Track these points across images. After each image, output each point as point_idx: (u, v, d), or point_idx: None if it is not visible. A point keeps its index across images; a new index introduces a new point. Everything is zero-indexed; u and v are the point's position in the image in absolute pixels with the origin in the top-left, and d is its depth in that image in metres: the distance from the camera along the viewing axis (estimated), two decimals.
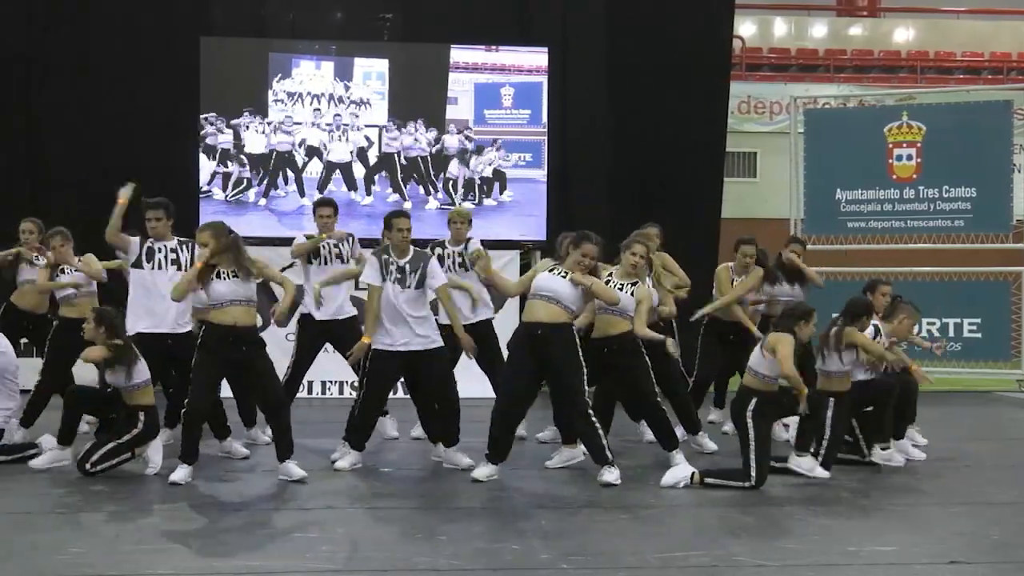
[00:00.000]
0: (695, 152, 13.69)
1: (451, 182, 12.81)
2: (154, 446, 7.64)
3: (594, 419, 7.35)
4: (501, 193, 12.84)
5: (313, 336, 8.80)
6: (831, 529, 6.32)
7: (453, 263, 8.96)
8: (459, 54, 12.93)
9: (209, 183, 12.50)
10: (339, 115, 12.68)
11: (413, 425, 9.15)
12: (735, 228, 14.08)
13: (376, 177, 12.74)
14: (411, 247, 7.89)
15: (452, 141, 12.83)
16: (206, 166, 12.50)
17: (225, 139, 12.48)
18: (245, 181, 12.52)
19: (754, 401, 7.31)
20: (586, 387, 7.39)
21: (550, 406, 8.19)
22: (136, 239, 8.23)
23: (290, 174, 12.61)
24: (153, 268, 8.16)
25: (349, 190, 12.63)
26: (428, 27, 13.38)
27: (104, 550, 5.60)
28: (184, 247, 8.25)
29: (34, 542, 5.76)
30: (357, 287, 10.81)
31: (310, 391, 11.68)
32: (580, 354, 7.36)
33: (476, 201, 12.81)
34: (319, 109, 12.67)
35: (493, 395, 8.13)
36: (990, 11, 23.29)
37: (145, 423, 7.48)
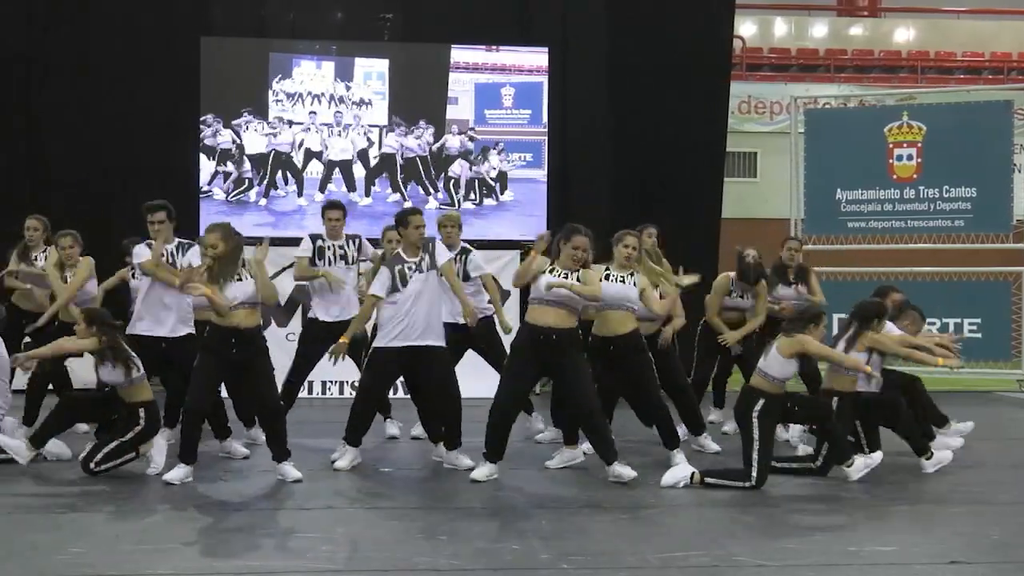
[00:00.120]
0: (695, 152, 13.68)
1: (452, 181, 12.81)
2: (158, 446, 7.64)
3: (603, 418, 7.42)
4: (502, 193, 12.84)
5: (318, 339, 8.80)
6: (831, 529, 6.33)
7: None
8: (459, 54, 12.93)
9: (209, 183, 12.49)
10: (340, 113, 12.68)
11: (413, 425, 9.16)
12: (735, 228, 14.12)
13: (376, 178, 12.74)
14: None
15: (453, 141, 12.82)
16: (206, 166, 12.50)
17: (225, 139, 12.47)
18: (247, 181, 12.52)
19: (761, 402, 7.31)
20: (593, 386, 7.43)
21: (549, 406, 8.21)
22: (138, 248, 8.18)
23: (289, 174, 12.61)
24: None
25: (349, 190, 12.63)
26: (428, 27, 13.38)
27: (104, 550, 5.60)
28: (181, 250, 8.22)
29: (34, 542, 5.76)
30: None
31: (310, 391, 11.67)
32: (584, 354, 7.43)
33: (477, 201, 12.81)
34: (315, 112, 12.65)
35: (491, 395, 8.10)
36: (991, 11, 23.30)
37: (146, 419, 7.48)
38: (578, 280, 7.32)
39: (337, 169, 12.67)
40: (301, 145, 12.63)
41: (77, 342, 7.55)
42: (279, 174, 12.59)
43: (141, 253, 8.13)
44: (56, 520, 6.31)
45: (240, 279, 7.35)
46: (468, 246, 8.95)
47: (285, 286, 11.84)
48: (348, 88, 12.74)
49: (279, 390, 7.93)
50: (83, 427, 8.83)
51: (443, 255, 7.87)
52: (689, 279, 8.50)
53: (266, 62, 12.69)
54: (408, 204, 12.30)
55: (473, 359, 9.06)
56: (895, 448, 8.08)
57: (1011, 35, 23.07)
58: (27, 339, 9.44)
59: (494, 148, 12.86)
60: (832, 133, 13.90)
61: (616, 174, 13.67)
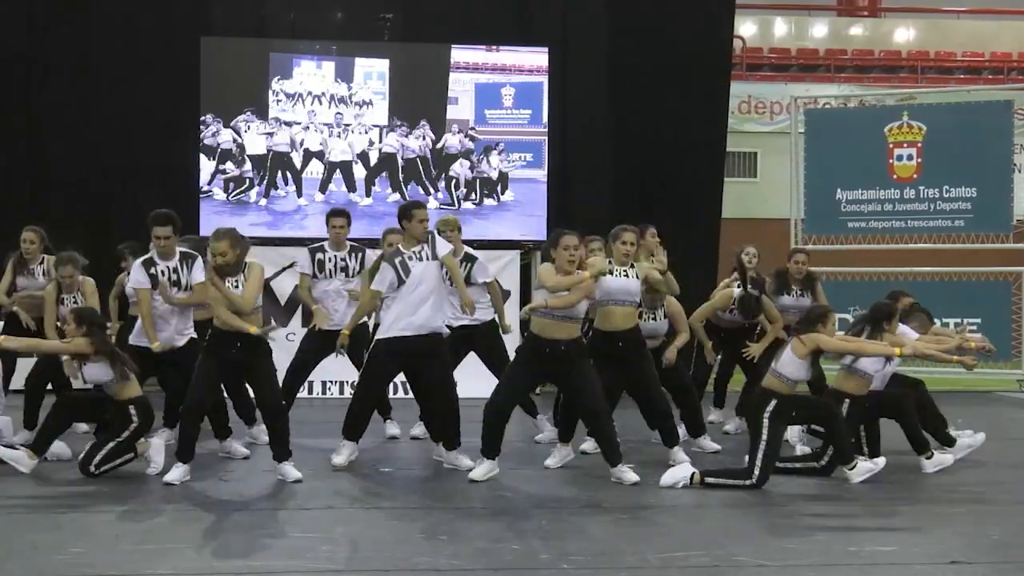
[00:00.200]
0: (695, 152, 13.69)
1: (454, 181, 12.80)
2: (156, 446, 7.64)
3: (610, 420, 7.44)
4: (502, 193, 12.83)
5: (319, 346, 8.81)
6: (831, 529, 6.33)
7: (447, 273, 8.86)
8: (460, 54, 12.93)
9: (209, 183, 12.49)
10: (340, 114, 12.68)
11: (413, 425, 9.16)
12: (735, 228, 14.12)
13: (376, 178, 12.73)
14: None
15: (453, 141, 12.82)
16: (206, 166, 12.49)
17: (225, 139, 12.46)
18: (248, 181, 12.51)
19: (774, 403, 7.32)
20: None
21: (552, 406, 8.21)
22: (137, 264, 8.06)
23: (289, 175, 12.59)
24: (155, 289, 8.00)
25: (349, 190, 12.63)
26: (428, 27, 13.38)
27: (104, 550, 5.60)
28: (185, 264, 8.03)
29: (34, 542, 5.76)
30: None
31: (310, 391, 11.68)
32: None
33: (477, 201, 12.81)
34: (314, 111, 12.64)
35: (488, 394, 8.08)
36: (991, 11, 23.29)
37: (139, 415, 7.45)
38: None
39: (337, 169, 12.66)
40: (301, 145, 12.62)
41: (68, 343, 7.48)
42: (279, 174, 12.59)
43: (138, 280, 7.92)
44: (56, 520, 6.31)
45: (237, 285, 7.34)
46: (472, 252, 8.92)
47: (285, 286, 11.85)
48: (348, 88, 12.74)
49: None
50: (83, 427, 8.84)
51: (443, 247, 7.89)
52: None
53: (266, 62, 12.69)
54: None
55: (474, 359, 9.05)
56: (895, 448, 8.08)
57: (1011, 35, 23.06)
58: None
59: (495, 148, 12.86)
60: (832, 133, 13.89)
61: (616, 174, 13.68)
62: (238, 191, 12.50)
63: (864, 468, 7.48)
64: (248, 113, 12.50)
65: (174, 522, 6.34)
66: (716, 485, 7.25)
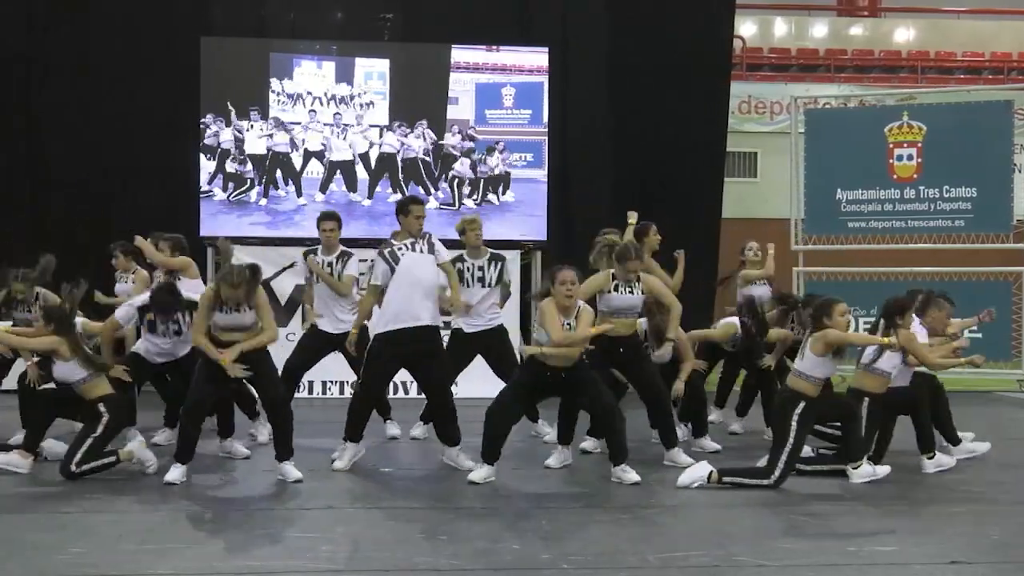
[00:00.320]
0: (695, 152, 13.70)
1: (456, 180, 12.79)
2: (138, 448, 7.62)
3: (617, 416, 7.48)
4: (503, 193, 12.82)
5: (318, 346, 8.82)
6: (831, 529, 6.32)
7: (472, 277, 8.82)
8: (460, 54, 12.93)
9: (209, 183, 12.48)
10: (339, 115, 12.68)
11: (413, 425, 9.17)
12: (735, 228, 14.11)
13: (378, 179, 12.71)
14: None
15: (453, 141, 12.81)
16: (206, 166, 12.49)
17: (226, 138, 12.45)
18: (248, 181, 12.51)
19: (802, 405, 7.31)
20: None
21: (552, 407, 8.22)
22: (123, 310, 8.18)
23: (288, 175, 12.59)
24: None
25: (349, 191, 12.63)
26: (428, 27, 13.39)
27: (105, 550, 5.60)
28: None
29: (35, 542, 5.76)
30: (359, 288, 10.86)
31: (311, 391, 11.69)
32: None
33: (478, 201, 12.80)
34: (315, 111, 12.65)
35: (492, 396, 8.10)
36: (991, 11, 23.29)
37: (109, 411, 7.41)
38: (575, 319, 7.38)
39: (338, 170, 12.65)
40: (302, 145, 12.62)
41: (41, 340, 7.45)
42: (278, 174, 12.58)
43: (125, 315, 8.11)
44: (57, 520, 6.31)
45: (238, 311, 7.34)
46: (500, 253, 9.05)
47: (285, 286, 11.87)
48: (349, 88, 12.73)
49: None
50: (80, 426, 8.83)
51: (444, 254, 7.94)
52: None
53: (266, 62, 12.68)
54: None
55: (476, 360, 9.05)
56: (896, 448, 8.08)
57: (1011, 35, 23.05)
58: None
59: (497, 148, 12.85)
60: (832, 133, 13.89)
61: (616, 174, 13.68)
62: (238, 191, 12.50)
63: (866, 471, 7.48)
64: (251, 112, 12.49)
65: (174, 522, 6.34)
66: (733, 484, 7.26)
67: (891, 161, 13.68)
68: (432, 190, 12.72)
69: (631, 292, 7.88)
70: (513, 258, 12.34)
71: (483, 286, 8.76)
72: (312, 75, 12.74)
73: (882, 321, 7.79)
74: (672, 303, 8.14)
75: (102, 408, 7.42)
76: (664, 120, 13.62)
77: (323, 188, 12.57)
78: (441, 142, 12.78)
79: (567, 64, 13.59)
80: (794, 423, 7.28)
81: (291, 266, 10.60)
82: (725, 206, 14.16)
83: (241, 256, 11.97)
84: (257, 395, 7.93)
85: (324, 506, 6.73)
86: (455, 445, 7.91)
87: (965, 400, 11.80)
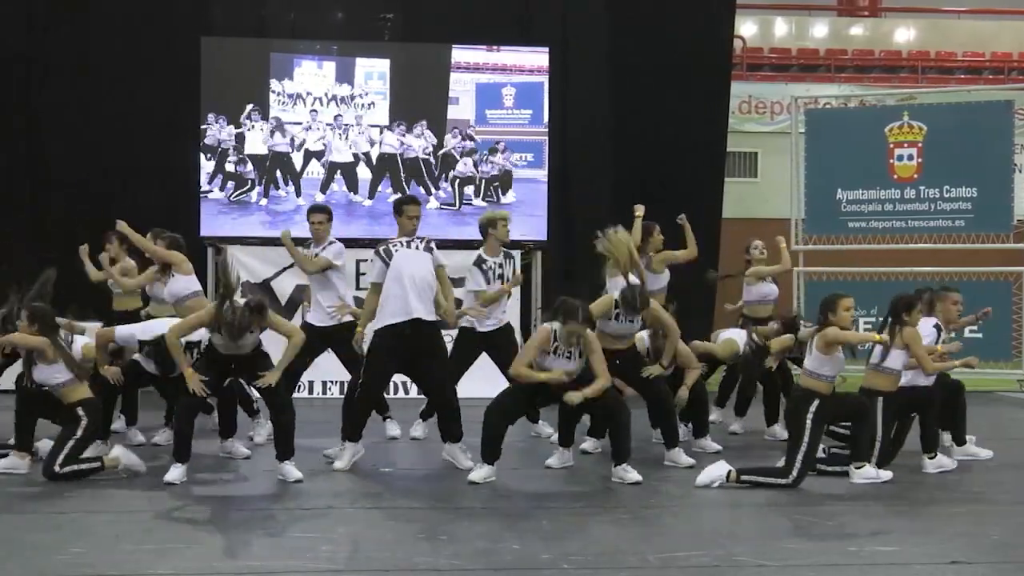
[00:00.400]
0: (696, 152, 13.69)
1: (458, 180, 12.78)
2: (124, 453, 7.57)
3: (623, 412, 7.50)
4: (505, 194, 12.80)
5: (313, 344, 8.81)
6: (831, 529, 6.32)
7: (494, 275, 8.89)
8: (460, 54, 12.92)
9: (209, 183, 12.47)
10: (340, 115, 12.67)
11: (413, 425, 9.16)
12: (736, 228, 14.10)
13: (379, 179, 12.70)
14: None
15: (456, 142, 12.79)
16: (206, 166, 12.48)
17: (226, 138, 12.44)
18: (250, 182, 12.50)
19: (816, 403, 7.31)
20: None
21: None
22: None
23: (288, 176, 12.58)
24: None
25: (350, 191, 12.62)
26: (429, 27, 13.38)
27: (104, 550, 5.60)
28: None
29: (35, 542, 5.76)
30: (359, 287, 10.90)
31: (311, 391, 11.70)
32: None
33: (480, 201, 12.79)
34: (316, 111, 12.64)
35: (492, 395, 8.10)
36: (991, 11, 23.25)
37: (88, 414, 7.40)
38: (580, 352, 7.44)
39: (339, 170, 12.65)
40: (302, 145, 12.61)
41: (26, 339, 7.41)
42: (278, 174, 12.57)
43: (125, 338, 8.11)
44: (57, 520, 6.31)
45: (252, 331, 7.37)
46: (508, 251, 9.16)
47: (285, 286, 11.87)
48: (350, 88, 12.73)
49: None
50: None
51: (441, 259, 7.95)
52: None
53: (267, 62, 12.68)
54: None
55: (479, 361, 9.06)
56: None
57: (1011, 35, 23.01)
58: None
59: (499, 148, 12.85)
60: (833, 133, 13.89)
61: (616, 174, 13.67)
62: (239, 191, 12.49)
63: (869, 473, 7.48)
64: (252, 112, 12.47)
65: (174, 522, 6.34)
66: (752, 483, 7.26)
67: (891, 161, 13.68)
68: (433, 190, 12.72)
69: (631, 321, 7.95)
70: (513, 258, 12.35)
71: (503, 283, 8.86)
72: (312, 75, 12.73)
73: (888, 318, 7.79)
74: (672, 329, 8.15)
75: (81, 412, 7.40)
76: (664, 120, 13.61)
77: (323, 188, 12.56)
78: (443, 143, 12.76)
79: (567, 64, 13.58)
80: (808, 422, 7.27)
81: (291, 266, 10.60)
82: (725, 206, 14.15)
83: (242, 257, 12.05)
84: (259, 395, 7.91)
85: (324, 506, 6.72)
86: (456, 441, 7.92)
87: (966, 400, 11.81)
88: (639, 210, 9.41)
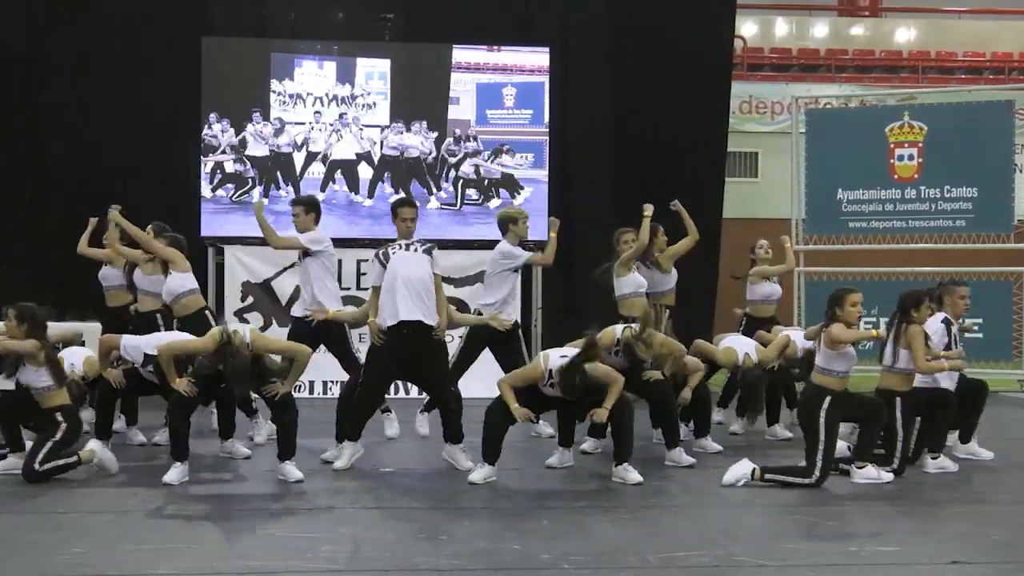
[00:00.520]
0: (696, 152, 13.68)
1: (462, 182, 12.77)
2: (101, 448, 7.59)
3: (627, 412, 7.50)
4: (513, 195, 12.77)
5: (304, 338, 8.81)
6: (832, 529, 6.32)
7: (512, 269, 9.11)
8: (461, 54, 12.91)
9: (210, 183, 12.45)
10: (344, 114, 12.66)
11: (417, 421, 9.15)
12: (736, 228, 14.11)
13: (380, 179, 12.69)
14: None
15: (458, 142, 12.77)
16: (206, 166, 12.46)
17: (227, 140, 12.42)
18: (250, 181, 12.49)
19: (828, 400, 7.31)
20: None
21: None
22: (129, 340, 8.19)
23: (289, 176, 12.59)
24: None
25: (351, 191, 12.61)
26: (429, 27, 13.37)
27: (105, 550, 5.60)
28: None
29: (35, 542, 5.76)
30: (359, 287, 10.90)
31: (311, 391, 11.70)
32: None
33: (481, 201, 12.78)
34: (320, 112, 12.63)
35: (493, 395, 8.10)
36: (992, 11, 23.25)
37: (66, 419, 7.39)
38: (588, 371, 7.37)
39: (339, 170, 12.64)
40: (302, 146, 12.61)
41: (18, 344, 7.36)
42: (278, 174, 12.56)
43: (131, 351, 8.05)
44: (57, 520, 6.31)
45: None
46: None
47: (285, 286, 11.85)
48: (350, 88, 12.72)
49: None
50: (83, 427, 8.82)
51: (439, 265, 7.96)
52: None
53: (267, 62, 12.66)
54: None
55: (481, 360, 9.07)
56: None
57: (1012, 35, 23.01)
58: None
59: (503, 149, 12.84)
60: (833, 133, 13.88)
61: (616, 174, 13.67)
62: (239, 192, 12.48)
63: (870, 474, 7.48)
64: (253, 114, 12.46)
65: (174, 522, 6.34)
66: (775, 482, 7.28)
67: (892, 161, 13.68)
68: (434, 190, 12.71)
69: (629, 360, 7.97)
70: None
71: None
72: (313, 75, 12.72)
73: (897, 314, 7.79)
74: (677, 352, 8.13)
75: (59, 417, 7.40)
76: (665, 120, 13.61)
77: (323, 187, 12.55)
78: (446, 144, 12.75)
79: (567, 64, 13.57)
80: (822, 420, 7.27)
81: (292, 266, 10.58)
82: (726, 206, 14.13)
83: (242, 256, 12.05)
84: (259, 395, 7.91)
85: (325, 506, 6.72)
86: (456, 443, 7.92)
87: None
88: (648, 210, 9.39)
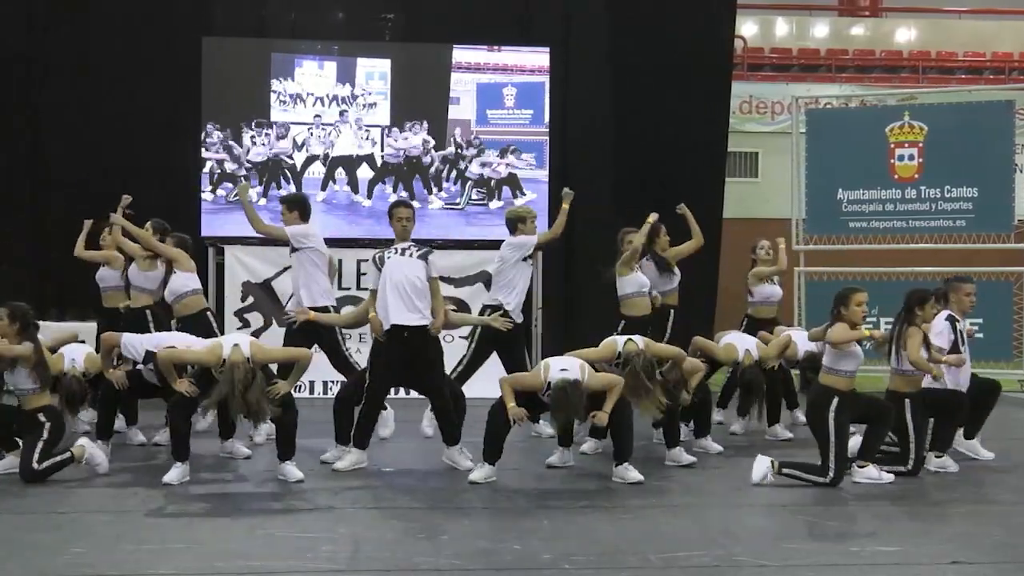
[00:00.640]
0: (696, 152, 13.68)
1: (470, 182, 12.76)
2: (91, 446, 7.57)
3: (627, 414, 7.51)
4: (516, 196, 12.76)
5: (304, 340, 8.81)
6: (832, 529, 6.32)
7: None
8: (461, 54, 12.91)
9: (210, 183, 12.44)
10: (345, 112, 12.65)
11: (423, 421, 9.15)
12: (736, 228, 14.10)
13: (381, 180, 12.68)
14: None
15: (462, 143, 12.76)
16: (206, 166, 12.46)
17: (225, 154, 12.42)
18: (242, 179, 12.46)
19: (836, 400, 7.31)
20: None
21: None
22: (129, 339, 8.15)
23: (290, 175, 12.57)
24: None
25: (352, 191, 12.61)
26: (429, 27, 13.38)
27: (105, 550, 5.60)
28: None
29: (35, 542, 5.76)
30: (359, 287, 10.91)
31: (311, 391, 11.69)
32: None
33: (484, 202, 12.78)
34: (316, 112, 12.63)
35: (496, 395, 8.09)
36: (992, 11, 23.24)
37: (49, 419, 7.38)
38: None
39: (340, 169, 12.64)
40: (303, 146, 12.60)
41: (15, 348, 7.33)
42: (279, 175, 12.56)
43: (131, 349, 7.97)
44: (57, 520, 6.31)
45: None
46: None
47: (286, 286, 11.82)
48: (351, 88, 12.71)
49: None
50: (83, 426, 8.82)
51: (435, 270, 7.94)
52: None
53: (267, 62, 12.66)
54: (415, 205, 12.26)
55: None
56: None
57: (1012, 35, 23.00)
58: None
59: (509, 149, 12.84)
60: (833, 133, 13.89)
61: (616, 174, 13.67)
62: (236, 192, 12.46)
63: (871, 474, 7.47)
64: (253, 123, 12.44)
65: (174, 522, 6.34)
66: (791, 476, 7.29)
67: (892, 161, 13.68)
68: (435, 189, 12.71)
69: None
70: None
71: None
72: (313, 75, 12.72)
73: (903, 313, 7.78)
74: (678, 357, 8.08)
75: (42, 417, 7.38)
76: (665, 120, 13.61)
77: (323, 187, 12.54)
78: (444, 143, 12.74)
79: (568, 64, 13.57)
80: (831, 420, 7.26)
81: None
82: (726, 206, 14.14)
83: (242, 256, 12.04)
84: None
85: (325, 506, 6.72)
86: (453, 444, 7.92)
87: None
88: (652, 218, 9.48)
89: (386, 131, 12.69)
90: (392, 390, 8.76)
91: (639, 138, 13.62)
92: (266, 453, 8.15)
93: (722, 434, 9.29)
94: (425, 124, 12.71)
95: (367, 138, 12.69)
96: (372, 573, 5.32)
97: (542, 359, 7.94)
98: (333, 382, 11.69)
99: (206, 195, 12.42)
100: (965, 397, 8.12)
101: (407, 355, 7.71)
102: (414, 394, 10.40)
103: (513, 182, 12.81)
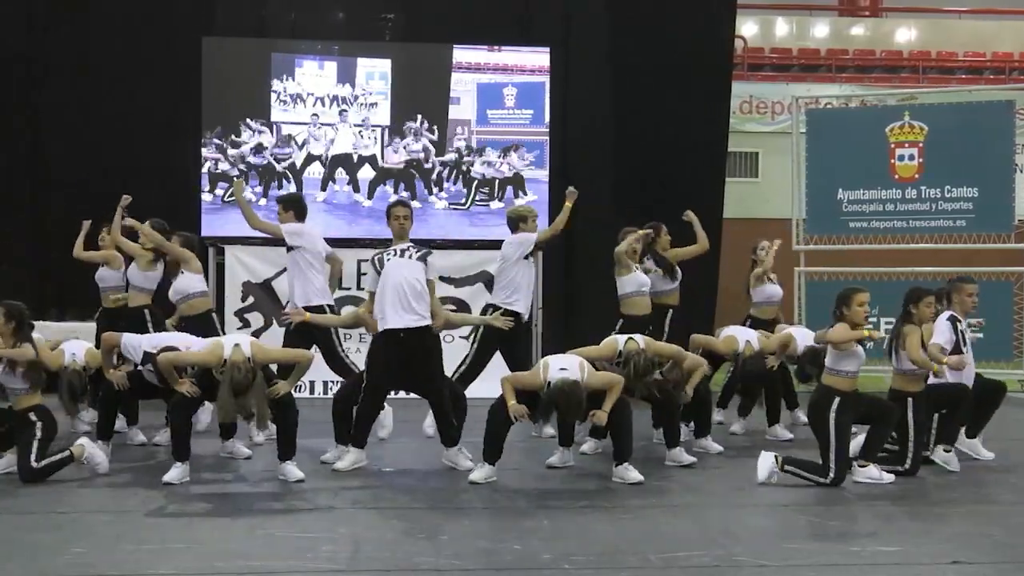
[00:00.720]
0: (696, 152, 13.68)
1: (476, 182, 12.75)
2: (91, 445, 7.58)
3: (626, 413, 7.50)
4: (518, 195, 12.76)
5: (303, 340, 8.82)
6: (833, 529, 6.32)
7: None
8: (461, 54, 12.91)
9: (210, 183, 12.43)
10: (344, 111, 12.65)
11: (416, 425, 9.16)
12: (737, 228, 14.10)
13: (381, 180, 12.68)
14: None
15: (464, 143, 12.76)
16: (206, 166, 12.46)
17: (227, 157, 12.42)
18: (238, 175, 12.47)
19: (837, 400, 7.30)
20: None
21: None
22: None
23: (291, 175, 12.58)
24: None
25: (353, 191, 12.61)
26: (429, 27, 13.38)
27: (105, 550, 5.60)
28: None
29: (35, 542, 5.76)
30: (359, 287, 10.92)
31: (312, 391, 11.69)
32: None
33: (485, 201, 12.78)
34: (316, 114, 12.62)
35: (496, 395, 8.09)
36: (992, 11, 23.25)
37: (40, 418, 7.37)
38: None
39: (340, 169, 12.64)
40: (303, 146, 12.60)
41: (16, 352, 7.31)
42: (280, 176, 12.56)
43: (131, 349, 7.93)
44: (57, 520, 6.31)
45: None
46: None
47: (285, 286, 11.80)
48: (351, 88, 12.71)
49: None
50: (83, 426, 8.82)
51: (433, 271, 7.96)
52: None
53: (268, 62, 12.66)
54: (416, 205, 12.27)
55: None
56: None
57: (1012, 35, 23.01)
58: None
59: (513, 149, 12.84)
60: (833, 133, 13.88)
61: (616, 174, 13.67)
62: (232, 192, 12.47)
63: (871, 473, 7.46)
64: (252, 124, 12.44)
65: (174, 522, 6.34)
66: (793, 474, 7.30)
67: (892, 161, 13.68)
68: (435, 189, 12.70)
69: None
70: None
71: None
72: (314, 75, 12.72)
73: (902, 310, 7.78)
74: (678, 356, 8.09)
75: (33, 416, 7.37)
76: (665, 120, 13.61)
77: (323, 187, 12.54)
78: (445, 143, 12.74)
79: (568, 64, 13.57)
80: (832, 420, 7.26)
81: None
82: (726, 206, 14.14)
83: (242, 256, 12.04)
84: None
85: (325, 506, 6.72)
86: (452, 445, 7.92)
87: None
88: (647, 228, 9.55)
89: (386, 141, 12.66)
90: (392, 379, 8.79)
91: (639, 138, 13.62)
92: (266, 453, 8.15)
93: (722, 434, 9.29)
94: (425, 125, 12.69)
95: (370, 138, 12.67)
96: (372, 573, 5.32)
97: (542, 358, 7.94)
98: (333, 382, 11.68)
99: (206, 195, 12.43)
100: (969, 391, 8.11)
101: (403, 356, 7.71)
102: (413, 394, 10.44)
103: (518, 181, 12.80)
